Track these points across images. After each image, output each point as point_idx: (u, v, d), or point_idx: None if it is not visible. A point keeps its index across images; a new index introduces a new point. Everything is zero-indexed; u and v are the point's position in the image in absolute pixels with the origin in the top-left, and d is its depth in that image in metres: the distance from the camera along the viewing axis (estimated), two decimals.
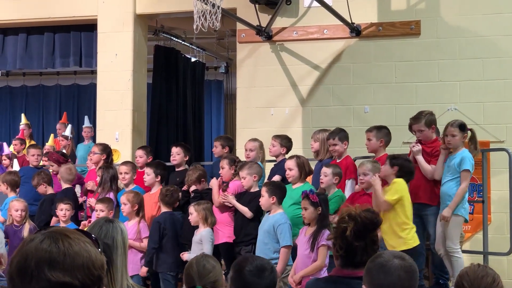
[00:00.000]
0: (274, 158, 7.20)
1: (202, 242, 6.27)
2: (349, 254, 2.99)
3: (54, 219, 7.25)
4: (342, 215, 3.03)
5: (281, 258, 5.88)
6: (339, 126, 7.45)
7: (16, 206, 7.12)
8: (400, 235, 5.69)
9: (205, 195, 6.78)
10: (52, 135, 9.73)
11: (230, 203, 6.53)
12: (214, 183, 6.85)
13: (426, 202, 6.24)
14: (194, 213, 6.35)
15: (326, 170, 6.21)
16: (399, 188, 5.75)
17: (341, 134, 6.70)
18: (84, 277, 1.57)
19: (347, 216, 2.99)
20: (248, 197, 6.43)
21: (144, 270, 6.51)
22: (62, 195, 7.35)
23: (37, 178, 7.68)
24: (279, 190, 6.11)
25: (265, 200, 6.04)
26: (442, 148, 6.22)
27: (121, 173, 7.28)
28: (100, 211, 6.52)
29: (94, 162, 7.88)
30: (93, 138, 10.59)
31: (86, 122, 10.73)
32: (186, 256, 6.36)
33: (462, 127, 6.17)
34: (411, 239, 5.70)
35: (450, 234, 6.16)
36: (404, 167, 5.87)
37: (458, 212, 6.10)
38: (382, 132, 6.63)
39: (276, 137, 7.18)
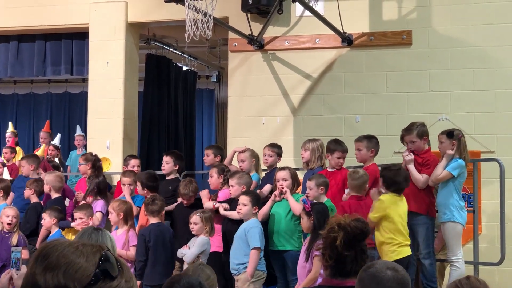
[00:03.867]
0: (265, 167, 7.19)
1: (195, 244, 6.19)
2: (338, 264, 2.98)
3: (42, 229, 7.14)
4: (331, 225, 3.01)
5: (250, 260, 5.90)
6: (330, 135, 7.46)
7: (8, 212, 7.07)
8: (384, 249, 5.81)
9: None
10: (44, 145, 9.65)
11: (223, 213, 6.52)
12: (203, 194, 6.85)
13: (415, 211, 6.24)
14: (199, 224, 6.25)
15: (310, 184, 6.20)
16: (382, 206, 5.80)
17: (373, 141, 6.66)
18: (50, 282, 1.54)
19: (336, 225, 2.97)
20: (235, 205, 6.39)
21: (138, 284, 6.41)
22: (52, 204, 7.23)
23: (33, 184, 7.64)
24: (260, 201, 6.27)
25: (248, 209, 6.09)
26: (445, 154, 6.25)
27: (124, 185, 7.29)
28: (79, 219, 6.45)
29: (82, 172, 8.00)
30: (86, 146, 10.57)
31: (78, 131, 10.71)
32: (182, 251, 6.27)
33: (450, 134, 6.24)
34: (394, 252, 5.74)
35: (448, 244, 6.22)
36: (385, 177, 5.92)
37: (454, 219, 6.14)
38: (373, 142, 6.65)
39: (272, 146, 7.14)
